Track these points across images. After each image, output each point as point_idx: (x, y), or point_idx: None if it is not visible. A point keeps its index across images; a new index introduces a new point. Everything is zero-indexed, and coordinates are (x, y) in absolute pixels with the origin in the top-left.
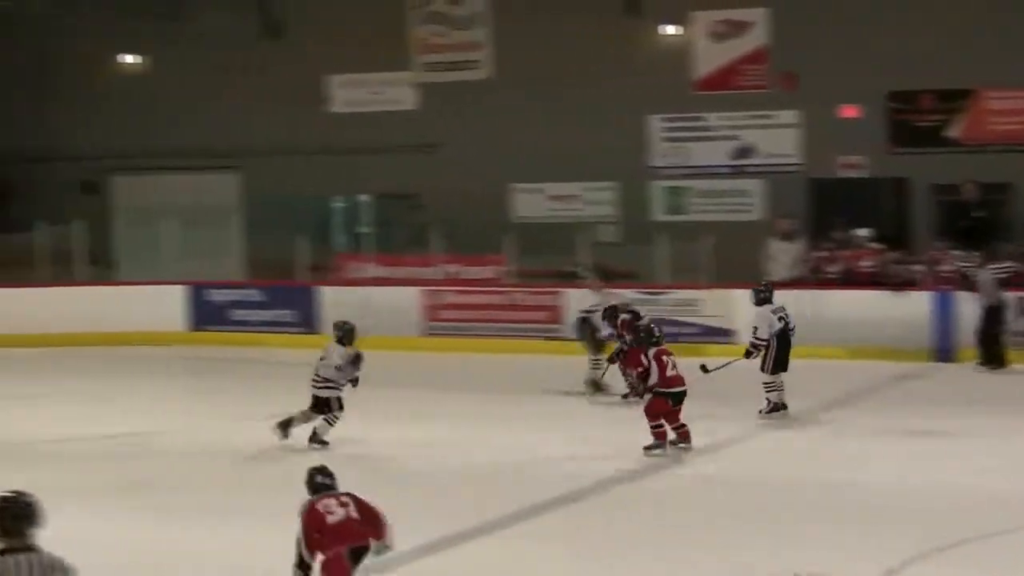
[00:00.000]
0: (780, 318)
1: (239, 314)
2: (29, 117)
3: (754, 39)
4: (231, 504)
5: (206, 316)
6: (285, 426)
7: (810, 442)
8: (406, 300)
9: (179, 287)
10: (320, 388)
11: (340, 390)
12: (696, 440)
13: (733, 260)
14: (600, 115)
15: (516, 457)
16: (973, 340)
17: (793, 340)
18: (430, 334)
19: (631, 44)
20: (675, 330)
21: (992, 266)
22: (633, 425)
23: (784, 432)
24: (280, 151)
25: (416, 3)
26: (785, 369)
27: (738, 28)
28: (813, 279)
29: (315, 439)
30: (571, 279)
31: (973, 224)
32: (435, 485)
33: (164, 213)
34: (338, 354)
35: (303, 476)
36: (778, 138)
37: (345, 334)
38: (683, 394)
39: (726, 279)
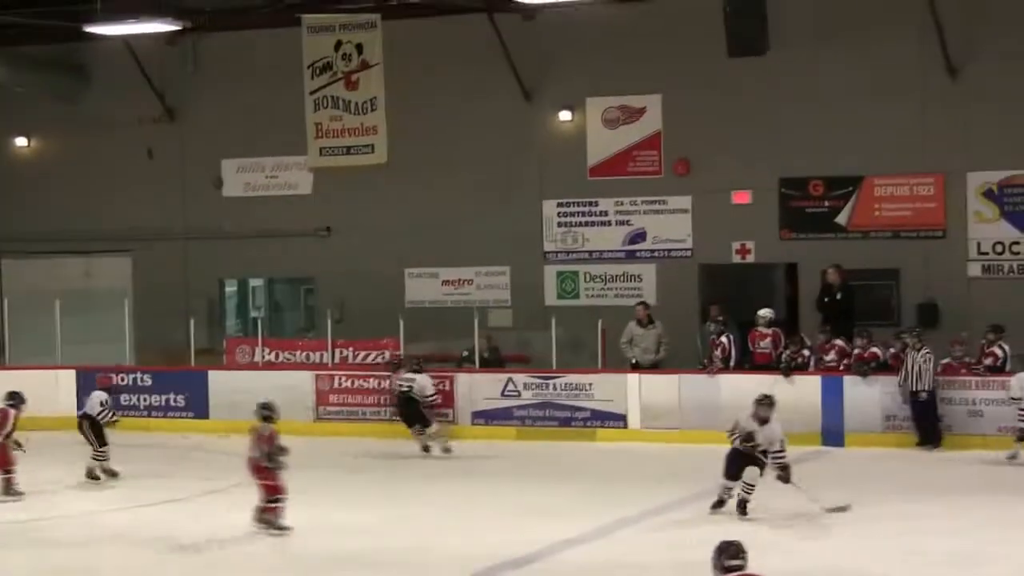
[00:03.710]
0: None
1: (128, 399)
2: None
3: (648, 125)
4: None
5: None
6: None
7: (700, 526)
8: (298, 384)
9: (68, 372)
10: None
11: None
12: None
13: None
14: (495, 200)
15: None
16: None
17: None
18: (321, 419)
19: (527, 129)
20: (567, 414)
21: (924, 351)
22: None
23: (674, 517)
24: (173, 235)
25: (312, 87)
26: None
27: (632, 114)
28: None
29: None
30: (462, 363)
31: (832, 307)
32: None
33: (55, 297)
34: None
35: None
36: (671, 223)
37: None
38: None
39: (617, 364)
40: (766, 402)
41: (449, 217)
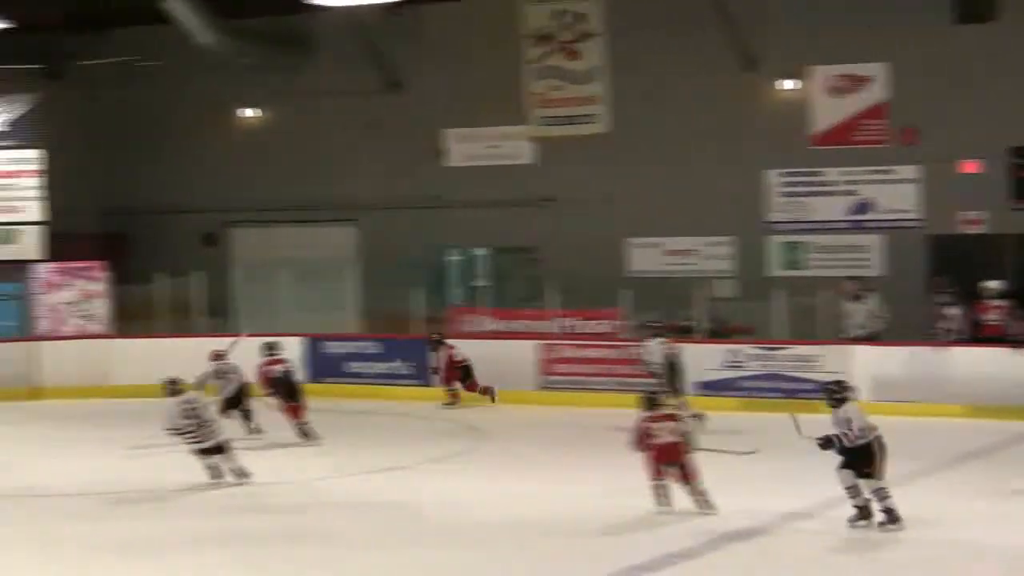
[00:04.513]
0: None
1: (355, 366)
2: (150, 170)
3: (873, 94)
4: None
5: (323, 368)
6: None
7: (921, 500)
8: (522, 354)
9: (296, 339)
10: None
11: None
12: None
13: None
14: (717, 169)
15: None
16: None
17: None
18: (546, 388)
19: (749, 99)
20: (793, 386)
21: None
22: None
23: (898, 491)
24: (397, 204)
25: (533, 58)
26: None
27: (857, 83)
28: (930, 337)
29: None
30: (686, 334)
31: None
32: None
33: (282, 265)
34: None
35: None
36: (897, 193)
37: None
38: None
39: (844, 335)
40: (829, 387)
41: (671, 186)
